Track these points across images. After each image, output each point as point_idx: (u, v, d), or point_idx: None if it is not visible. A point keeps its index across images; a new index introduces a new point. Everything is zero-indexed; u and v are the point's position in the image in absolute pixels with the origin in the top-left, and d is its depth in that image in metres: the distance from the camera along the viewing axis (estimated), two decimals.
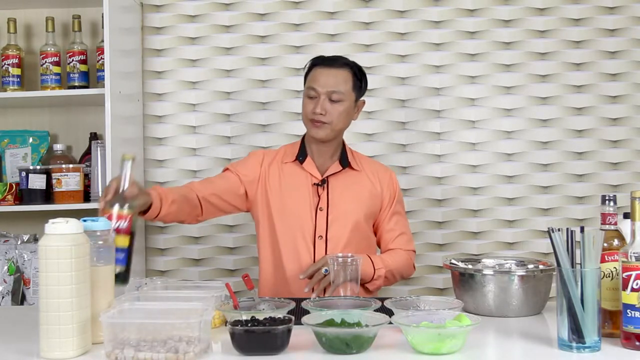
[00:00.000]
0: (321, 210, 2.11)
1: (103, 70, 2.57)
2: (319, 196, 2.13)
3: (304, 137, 2.22)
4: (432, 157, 2.85)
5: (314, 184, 2.14)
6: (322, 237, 2.10)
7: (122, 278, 1.62)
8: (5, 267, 2.54)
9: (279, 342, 1.39)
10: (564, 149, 2.84)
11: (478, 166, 2.85)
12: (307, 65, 2.18)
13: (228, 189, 2.13)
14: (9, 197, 2.62)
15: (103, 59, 2.56)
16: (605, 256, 1.50)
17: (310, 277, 1.95)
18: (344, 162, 2.17)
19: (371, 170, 2.23)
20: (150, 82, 2.89)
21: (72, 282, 1.39)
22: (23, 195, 2.64)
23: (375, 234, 2.24)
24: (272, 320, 1.42)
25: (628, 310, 1.40)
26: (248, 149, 2.86)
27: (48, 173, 2.64)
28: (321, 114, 2.07)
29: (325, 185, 2.14)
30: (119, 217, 1.62)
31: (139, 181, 2.84)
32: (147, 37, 2.89)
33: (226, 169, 2.20)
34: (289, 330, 1.40)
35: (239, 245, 2.87)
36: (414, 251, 2.25)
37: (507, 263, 1.94)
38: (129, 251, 1.63)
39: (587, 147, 2.84)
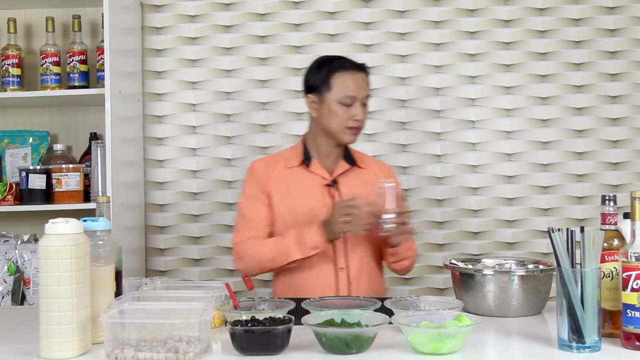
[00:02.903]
0: None
1: (103, 70, 2.57)
2: (331, 197, 2.12)
3: (303, 140, 2.20)
4: (432, 157, 2.85)
5: (326, 184, 2.13)
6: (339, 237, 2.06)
7: None
8: (5, 267, 2.54)
9: (279, 342, 1.39)
10: (564, 149, 2.84)
11: (478, 166, 2.85)
12: (326, 70, 2.10)
13: (269, 214, 2.13)
14: (9, 197, 2.62)
15: (103, 59, 2.56)
16: (605, 256, 1.50)
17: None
18: (351, 161, 2.18)
19: (376, 167, 2.24)
20: (150, 82, 2.89)
21: (72, 282, 1.39)
22: (23, 195, 2.64)
23: None
24: (272, 320, 1.42)
25: (628, 310, 1.40)
26: (248, 149, 2.86)
27: (48, 173, 2.64)
28: (361, 120, 2.09)
29: (336, 185, 2.13)
30: None
31: (140, 182, 2.84)
32: (147, 37, 2.89)
33: (247, 196, 2.15)
34: (289, 330, 1.40)
35: None
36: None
37: (507, 263, 1.94)
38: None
39: (587, 147, 2.84)
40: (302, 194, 2.11)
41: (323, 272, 2.07)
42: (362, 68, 2.13)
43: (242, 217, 2.15)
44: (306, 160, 2.15)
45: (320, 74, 2.11)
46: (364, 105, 2.11)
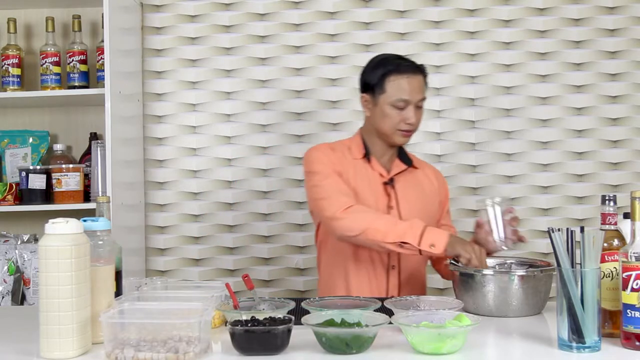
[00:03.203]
0: (391, 209, 2.08)
1: (103, 70, 2.57)
2: (388, 195, 2.10)
3: (361, 133, 2.17)
4: (432, 157, 2.85)
5: (384, 182, 2.11)
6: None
7: None
8: (5, 267, 2.54)
9: (279, 342, 1.39)
10: (564, 149, 2.84)
11: (478, 166, 2.85)
12: (381, 72, 2.05)
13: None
14: (9, 197, 2.62)
15: (103, 59, 2.56)
16: (605, 256, 1.50)
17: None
18: (407, 160, 2.16)
19: (427, 168, 2.24)
20: (150, 82, 2.89)
21: (72, 282, 1.39)
22: (23, 195, 2.64)
23: None
24: (272, 320, 1.42)
25: (628, 310, 1.40)
26: (248, 149, 2.86)
27: (48, 173, 2.64)
28: (414, 123, 2.05)
29: (392, 184, 2.12)
30: None
31: (140, 182, 2.84)
32: (147, 37, 2.89)
33: (325, 173, 2.05)
34: (289, 330, 1.40)
35: (239, 245, 2.87)
36: None
37: (507, 263, 1.95)
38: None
39: (587, 147, 2.84)
40: (367, 187, 2.08)
41: (375, 268, 2.07)
42: (419, 70, 2.08)
43: (330, 189, 2.02)
44: (367, 155, 2.13)
45: (375, 75, 2.06)
46: (419, 107, 2.06)
